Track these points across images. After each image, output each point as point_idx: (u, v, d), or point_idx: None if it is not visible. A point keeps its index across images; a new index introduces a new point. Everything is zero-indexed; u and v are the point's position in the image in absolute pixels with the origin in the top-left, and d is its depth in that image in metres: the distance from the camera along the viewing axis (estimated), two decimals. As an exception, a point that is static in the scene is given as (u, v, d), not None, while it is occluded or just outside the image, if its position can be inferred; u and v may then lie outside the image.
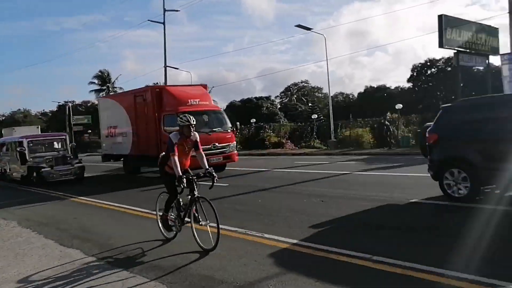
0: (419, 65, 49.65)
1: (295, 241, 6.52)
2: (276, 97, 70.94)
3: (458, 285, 4.46)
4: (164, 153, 6.87)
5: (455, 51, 24.24)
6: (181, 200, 6.84)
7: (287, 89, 73.09)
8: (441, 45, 23.28)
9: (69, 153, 19.34)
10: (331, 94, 34.59)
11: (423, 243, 6.05)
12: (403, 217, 7.68)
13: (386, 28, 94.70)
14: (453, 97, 36.27)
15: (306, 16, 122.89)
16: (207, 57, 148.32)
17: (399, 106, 27.32)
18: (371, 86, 56.32)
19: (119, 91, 66.30)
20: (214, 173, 6.44)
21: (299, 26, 29.28)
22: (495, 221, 6.77)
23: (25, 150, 18.17)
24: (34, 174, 17.75)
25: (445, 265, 4.95)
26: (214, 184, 6.46)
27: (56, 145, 19.84)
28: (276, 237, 6.78)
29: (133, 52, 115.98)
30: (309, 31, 30.21)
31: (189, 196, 6.50)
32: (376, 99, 49.16)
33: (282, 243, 6.45)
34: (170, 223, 7.00)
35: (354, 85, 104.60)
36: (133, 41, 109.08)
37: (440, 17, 23.31)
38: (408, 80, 51.17)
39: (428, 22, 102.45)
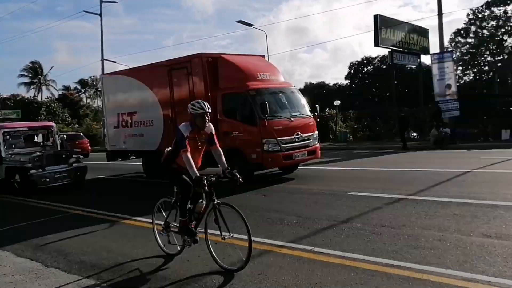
0: (356, 62, 51.40)
1: (237, 235, 6.52)
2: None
3: (389, 271, 4.70)
4: (169, 148, 5.66)
5: (390, 50, 25.34)
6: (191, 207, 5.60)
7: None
8: (376, 44, 24.23)
9: (58, 148, 14.62)
10: (272, 90, 34.94)
11: (360, 234, 6.29)
12: (340, 209, 7.93)
13: (325, 25, 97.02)
14: (387, 94, 37.93)
15: (246, 12, 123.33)
16: (147, 51, 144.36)
17: (337, 102, 28.22)
18: (310, 83, 57.70)
19: (52, 84, 63.34)
20: (237, 174, 5.20)
21: (240, 21, 29.38)
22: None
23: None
24: (17, 177, 13.02)
25: (378, 255, 5.21)
26: (237, 187, 5.15)
27: (36, 138, 15.08)
28: (218, 232, 6.75)
29: (67, 44, 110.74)
30: (250, 27, 30.36)
31: (203, 202, 5.39)
32: (315, 95, 50.31)
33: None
34: (183, 245, 5.63)
35: (294, 81, 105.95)
36: (66, 32, 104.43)
37: (376, 17, 24.25)
38: (346, 77, 52.86)
39: (365, 21, 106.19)
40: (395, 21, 25.68)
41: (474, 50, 40.12)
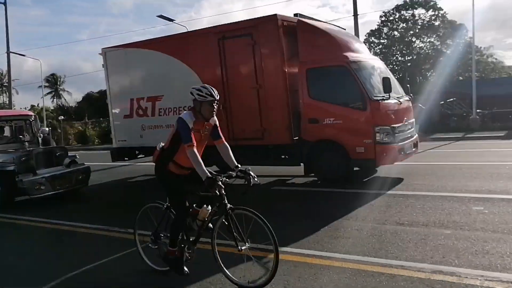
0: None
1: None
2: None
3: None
4: (162, 144, 4.62)
5: (309, 48, 26.07)
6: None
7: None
8: (297, 42, 24.78)
9: (40, 145, 11.36)
10: (195, 87, 34.57)
11: (282, 226, 6.41)
12: (261, 202, 8.03)
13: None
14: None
15: (166, 7, 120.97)
16: (59, 44, 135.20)
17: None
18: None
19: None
20: (251, 171, 4.28)
21: (161, 16, 28.62)
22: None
23: None
24: None
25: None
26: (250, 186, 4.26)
27: (7, 132, 11.67)
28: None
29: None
30: (171, 22, 29.75)
31: (208, 208, 4.46)
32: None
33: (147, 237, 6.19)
34: (184, 260, 4.57)
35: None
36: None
37: (296, 15, 24.79)
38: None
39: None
40: (315, 21, 26.43)
41: (386, 50, 42.62)
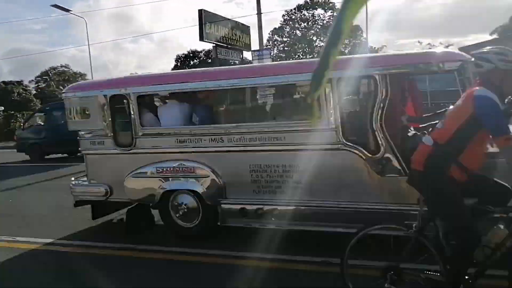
0: (183, 55, 51.67)
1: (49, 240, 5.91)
2: (30, 81, 63.94)
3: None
4: (431, 139, 3.05)
5: (214, 44, 26.07)
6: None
7: (45, 73, 66.53)
8: (201, 38, 24.63)
9: None
10: (95, 81, 32.92)
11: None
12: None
13: (151, 16, 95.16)
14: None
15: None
16: None
17: (165, 95, 27.89)
18: (137, 73, 56.18)
19: None
20: None
21: (56, 6, 26.80)
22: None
23: None
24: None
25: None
26: None
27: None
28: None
29: None
30: (68, 12, 27.97)
31: (504, 229, 2.92)
32: (142, 87, 49.26)
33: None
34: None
35: (119, 71, 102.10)
36: None
37: (200, 11, 24.62)
38: (172, 69, 52.73)
39: (192, 14, 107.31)
40: (219, 17, 26.45)
41: (289, 49, 44.04)
